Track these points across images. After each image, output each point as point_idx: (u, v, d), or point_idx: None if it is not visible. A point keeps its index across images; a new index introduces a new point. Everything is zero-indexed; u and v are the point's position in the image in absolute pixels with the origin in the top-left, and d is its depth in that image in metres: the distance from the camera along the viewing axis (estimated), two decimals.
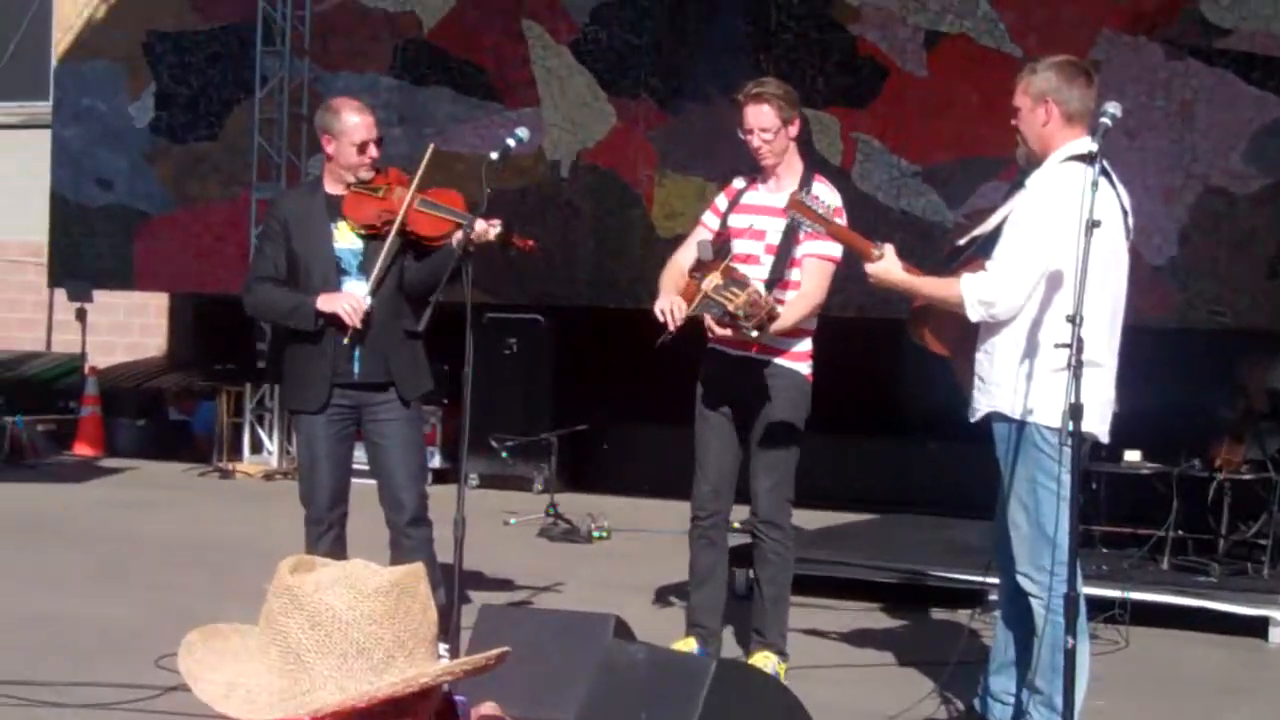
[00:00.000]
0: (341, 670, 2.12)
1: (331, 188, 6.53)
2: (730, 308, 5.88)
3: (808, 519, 10.76)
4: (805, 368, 6.42)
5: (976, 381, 5.30)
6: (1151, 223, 12.04)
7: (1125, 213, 5.21)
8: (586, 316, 12.79)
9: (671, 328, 6.12)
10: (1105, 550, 8.77)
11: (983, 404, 5.29)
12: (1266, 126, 11.82)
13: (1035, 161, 5.32)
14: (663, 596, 8.36)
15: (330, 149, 6.49)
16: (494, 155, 6.19)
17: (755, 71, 13.04)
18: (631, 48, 13.52)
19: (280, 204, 6.81)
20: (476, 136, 13.35)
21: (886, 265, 5.31)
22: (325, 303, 6.34)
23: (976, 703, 5.62)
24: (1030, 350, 5.17)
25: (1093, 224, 4.64)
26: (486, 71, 13.90)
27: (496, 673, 5.55)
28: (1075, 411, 4.61)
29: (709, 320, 6.11)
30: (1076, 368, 4.61)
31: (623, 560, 9.69)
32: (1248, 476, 8.59)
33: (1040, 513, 5.20)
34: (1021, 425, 5.18)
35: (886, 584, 8.39)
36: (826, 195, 6.22)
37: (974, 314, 5.15)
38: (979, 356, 5.30)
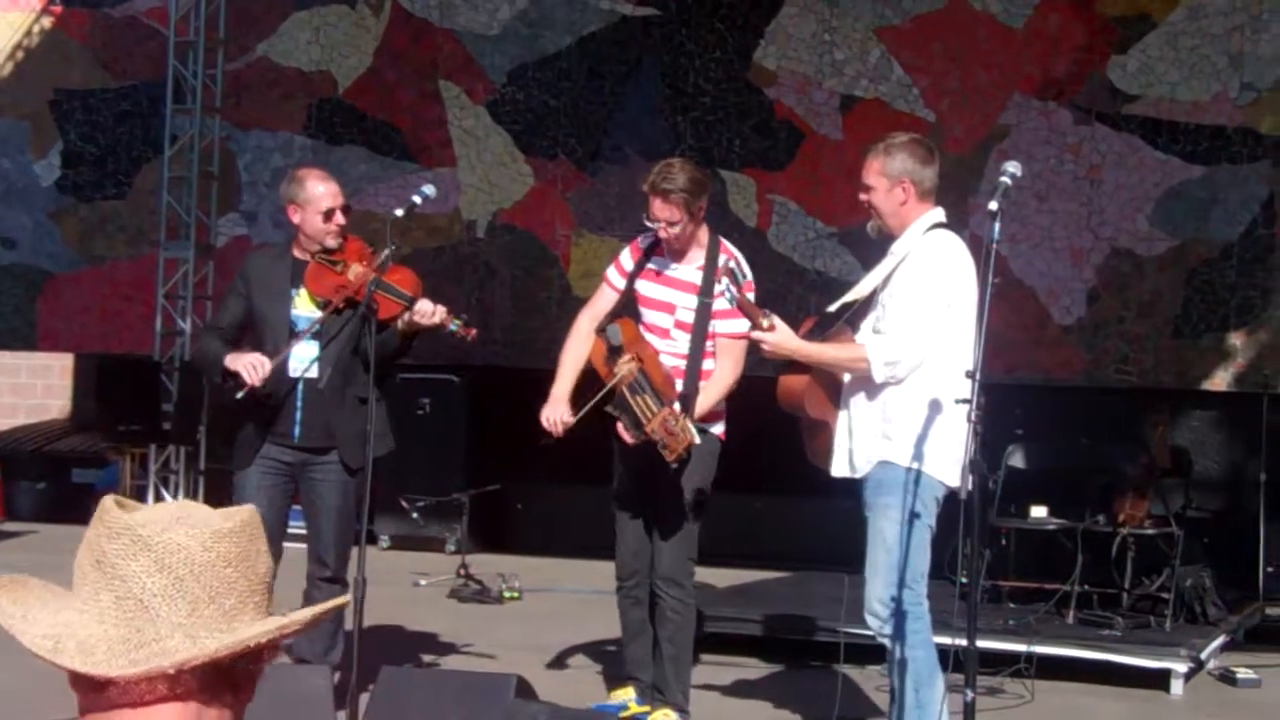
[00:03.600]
0: (193, 618, 1.89)
1: (298, 253, 6.61)
2: (646, 429, 6.02)
3: (720, 577, 10.79)
4: (718, 428, 6.51)
5: (859, 436, 5.44)
6: (1060, 284, 12.24)
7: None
8: (501, 376, 12.75)
9: (556, 435, 6.33)
10: (1013, 605, 8.84)
11: (872, 455, 5.39)
12: (1171, 190, 12.04)
13: (887, 234, 5.50)
14: (574, 657, 8.32)
15: (296, 218, 6.58)
16: (398, 212, 6.22)
17: (672, 134, 13.17)
18: (549, 109, 13.57)
19: (249, 262, 6.90)
20: (391, 196, 13.32)
21: (781, 336, 5.43)
22: (231, 360, 6.39)
23: None
24: (919, 402, 5.39)
25: (992, 282, 4.75)
26: (402, 131, 13.90)
27: None
28: (974, 466, 4.68)
29: (620, 429, 6.21)
30: (975, 423, 4.69)
31: (534, 621, 9.64)
32: (1150, 531, 8.70)
33: (906, 554, 5.37)
34: (904, 472, 5.34)
35: (796, 640, 8.39)
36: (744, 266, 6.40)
37: (879, 375, 5.36)
38: (861, 412, 5.43)
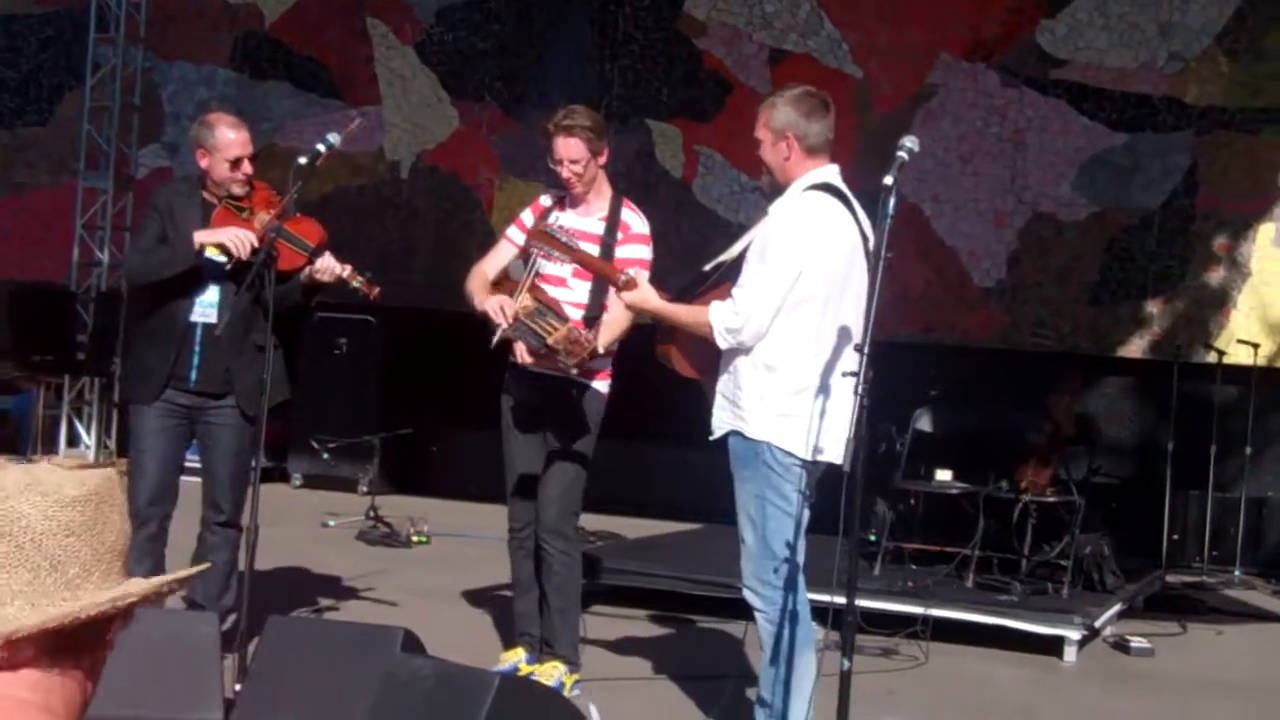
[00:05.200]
0: (32, 586, 1.88)
1: (207, 196, 6.57)
2: (549, 340, 5.99)
3: (631, 527, 10.83)
4: (604, 386, 6.54)
5: (719, 400, 5.39)
6: (981, 246, 12.29)
7: (865, 239, 5.29)
8: (420, 318, 12.70)
9: (505, 324, 6.18)
10: (914, 567, 8.90)
11: (724, 422, 5.37)
12: (1095, 156, 12.10)
13: (778, 189, 5.41)
14: (476, 604, 8.35)
15: (204, 163, 6.52)
16: (302, 160, 6.14)
17: (600, 81, 13.11)
18: (477, 51, 13.49)
19: (158, 195, 6.82)
20: (315, 133, 13.16)
21: (642, 293, 5.43)
22: (207, 235, 6.36)
23: (756, 711, 5.67)
24: (769, 371, 5.28)
25: (882, 254, 4.71)
26: (328, 68, 13.79)
27: (284, 683, 5.54)
28: (860, 439, 4.66)
29: (521, 348, 6.20)
30: (862, 397, 4.66)
31: (440, 566, 9.63)
32: (1052, 499, 8.76)
33: (767, 529, 5.31)
34: (757, 444, 5.27)
35: (696, 596, 8.42)
36: (636, 224, 6.47)
37: (722, 342, 5.28)
38: (723, 377, 5.39)
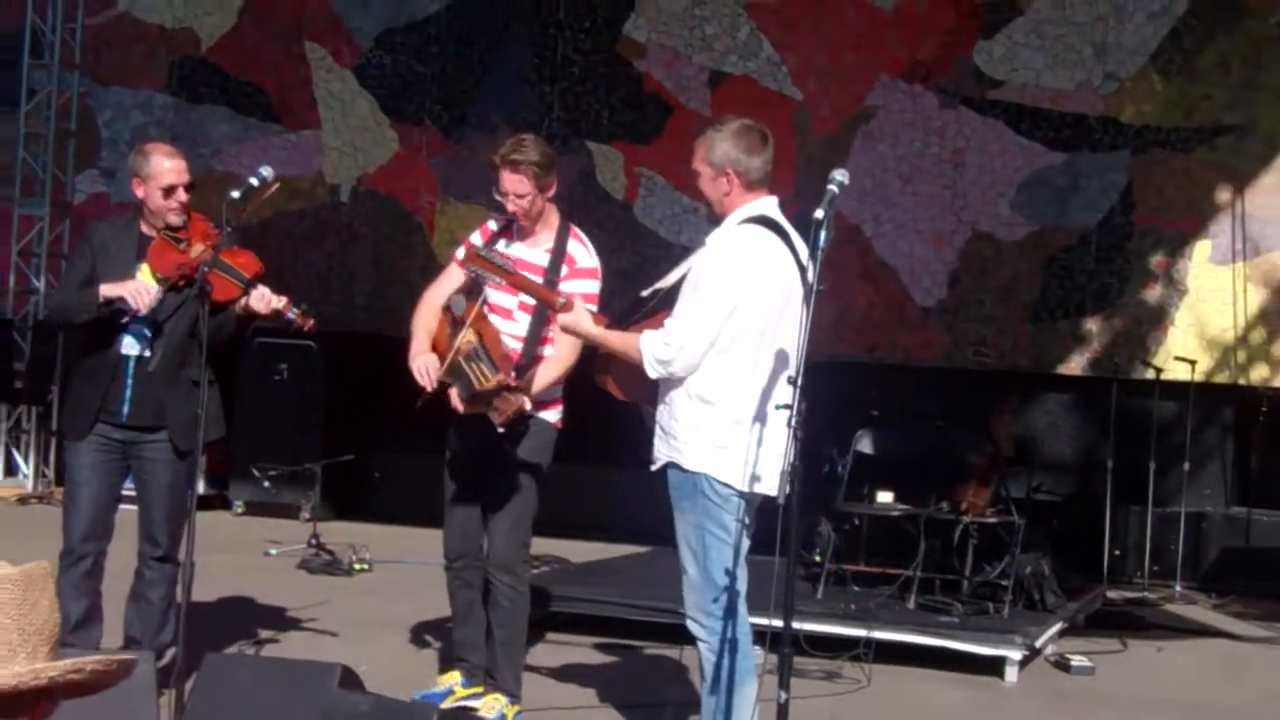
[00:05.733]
0: None
1: (145, 227, 6.55)
2: (478, 389, 6.02)
3: (575, 551, 10.82)
4: (554, 415, 6.50)
5: (657, 430, 5.41)
6: (922, 265, 12.35)
7: (803, 269, 5.29)
8: (361, 343, 12.65)
9: (429, 389, 6.22)
10: (857, 588, 8.92)
11: (661, 454, 5.38)
12: (1033, 175, 12.18)
13: (716, 220, 5.42)
14: (418, 632, 8.31)
15: (140, 192, 6.51)
16: (235, 193, 6.10)
17: (540, 104, 13.11)
18: (416, 74, 13.47)
19: (93, 232, 6.78)
20: (253, 158, 13.14)
21: (575, 317, 5.43)
22: (111, 288, 6.34)
23: None
24: (705, 404, 5.29)
25: (814, 290, 4.73)
26: (266, 92, 13.73)
27: None
28: (794, 471, 4.67)
29: (454, 397, 6.19)
30: (795, 430, 4.68)
31: (381, 593, 9.59)
32: (992, 520, 8.81)
33: (708, 559, 5.33)
34: (695, 476, 5.29)
35: (642, 621, 8.41)
36: (583, 257, 6.44)
37: (652, 372, 5.28)
38: (660, 408, 5.40)
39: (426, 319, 6.45)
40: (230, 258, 6.34)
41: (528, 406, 6.03)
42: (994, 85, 12.26)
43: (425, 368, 6.24)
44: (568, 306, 5.44)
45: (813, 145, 12.41)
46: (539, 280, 6.23)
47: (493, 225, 6.60)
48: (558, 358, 6.29)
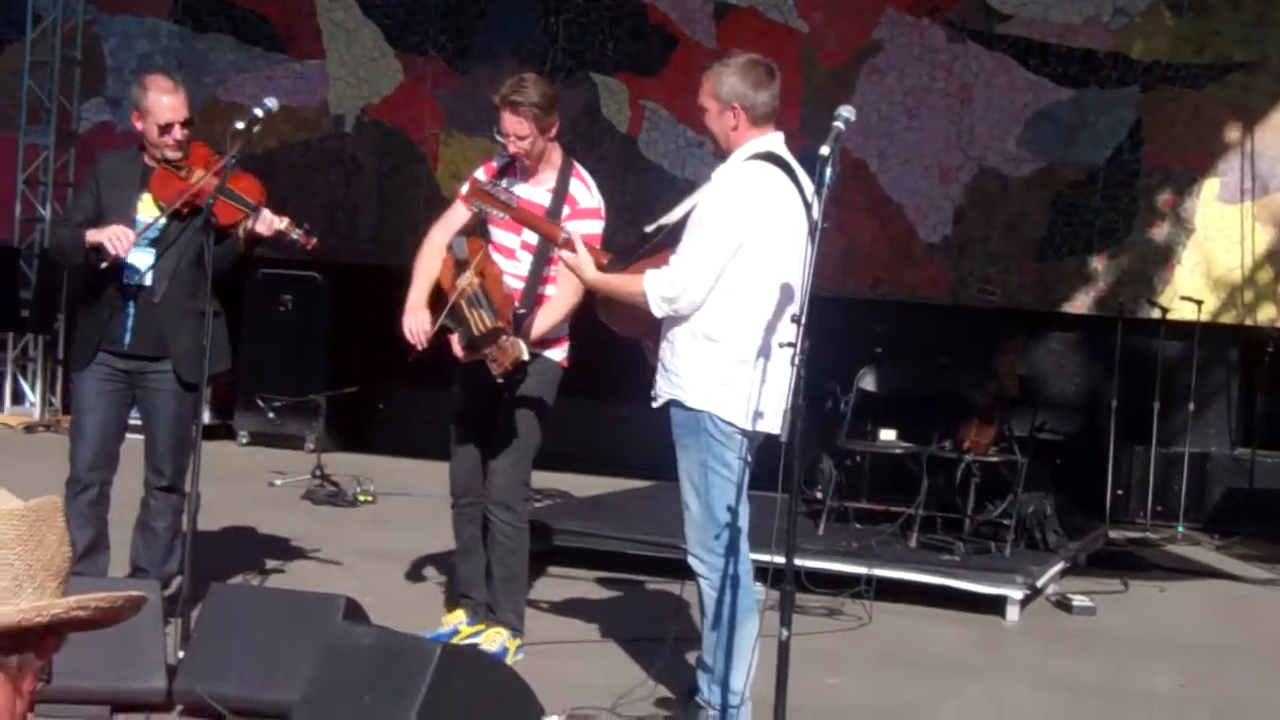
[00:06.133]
0: None
1: (148, 158, 6.54)
2: (474, 335, 6.00)
3: (579, 484, 10.85)
4: (559, 354, 6.51)
5: (659, 368, 5.41)
6: (927, 201, 12.31)
7: (808, 205, 5.26)
8: (366, 274, 12.64)
9: (419, 348, 6.26)
10: (859, 526, 8.95)
11: (664, 391, 5.38)
12: (1041, 111, 12.11)
13: (722, 155, 5.40)
14: (420, 565, 8.34)
15: (139, 125, 6.52)
16: (239, 124, 6.09)
17: (545, 35, 13.04)
18: (420, 4, 13.40)
19: (100, 162, 6.79)
20: (258, 87, 13.09)
21: (578, 260, 5.39)
22: (93, 234, 6.34)
23: (697, 675, 5.69)
24: (709, 342, 5.29)
25: (821, 226, 4.70)
26: (270, 21, 13.66)
27: (222, 653, 5.54)
28: (797, 410, 4.67)
29: (454, 343, 6.19)
30: (799, 368, 4.67)
31: (385, 525, 9.63)
32: (995, 459, 8.81)
33: (710, 496, 5.34)
34: (698, 414, 5.29)
35: (643, 556, 8.44)
36: (584, 197, 6.41)
37: (658, 310, 5.27)
38: (662, 345, 5.40)
39: (428, 261, 6.45)
40: (232, 183, 6.34)
41: (525, 356, 6.03)
42: (1002, 19, 12.17)
43: (414, 327, 6.28)
44: (569, 244, 5.41)
45: (818, 78, 12.35)
46: None
47: (496, 163, 6.60)
48: (559, 299, 6.29)
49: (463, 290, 6.16)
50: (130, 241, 6.26)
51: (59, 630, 2.02)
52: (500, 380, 6.05)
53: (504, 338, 5.98)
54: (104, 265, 6.33)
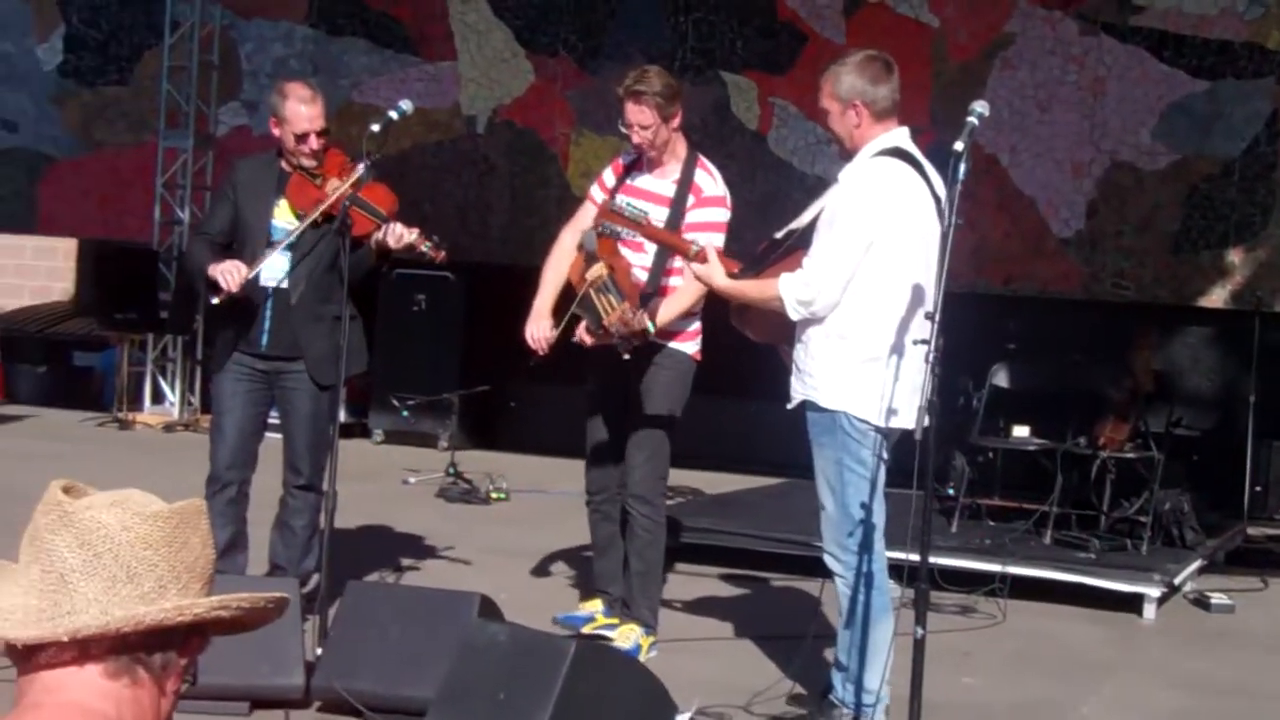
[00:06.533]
0: (108, 594, 1.95)
1: (284, 164, 6.66)
2: (605, 320, 6.07)
3: (710, 481, 10.87)
4: (691, 347, 6.54)
5: (794, 369, 5.43)
6: (1059, 196, 12.19)
7: (937, 200, 5.26)
8: (497, 274, 12.73)
9: (541, 353, 6.40)
10: (992, 523, 8.89)
11: (798, 391, 5.40)
12: (1175, 104, 11.95)
13: (848, 156, 5.41)
14: (554, 562, 8.40)
15: (276, 131, 6.63)
16: (374, 127, 6.19)
17: (674, 33, 13.07)
18: (551, 5, 13.48)
19: (237, 168, 6.90)
20: (392, 90, 13.26)
21: (709, 270, 5.42)
22: (211, 269, 6.47)
23: (831, 673, 5.70)
24: (841, 341, 5.31)
25: (955, 223, 4.70)
26: (403, 23, 13.82)
27: (359, 650, 5.62)
28: (931, 408, 4.67)
29: (580, 329, 6.26)
30: (933, 366, 4.67)
31: (519, 523, 9.71)
32: (1130, 455, 8.71)
33: (846, 495, 5.36)
34: (833, 413, 5.32)
35: (774, 554, 8.44)
36: (709, 186, 6.46)
37: (794, 314, 5.30)
38: (796, 346, 5.43)
39: (558, 264, 6.55)
40: (365, 193, 6.42)
41: (650, 327, 6.08)
42: (1135, 11, 12.02)
43: (535, 334, 6.41)
44: (701, 256, 5.45)
45: (949, 73, 12.27)
46: (666, 211, 6.28)
47: (623, 160, 6.65)
48: (684, 292, 6.33)
49: (593, 281, 6.23)
50: (242, 277, 6.36)
51: (203, 631, 2.04)
52: (626, 356, 6.09)
53: (628, 312, 6.04)
54: (215, 301, 6.48)
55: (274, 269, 6.55)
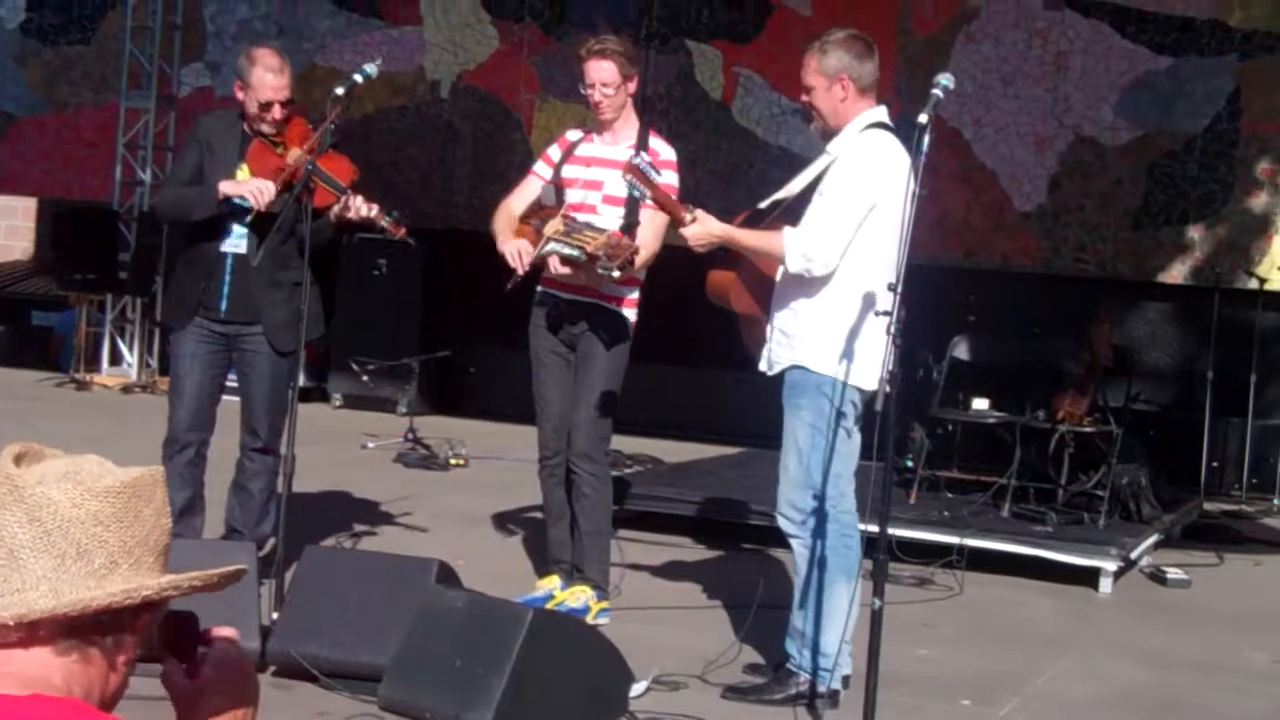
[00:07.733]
0: (57, 572, 1.91)
1: (247, 127, 6.61)
2: (589, 249, 6.07)
3: (670, 450, 10.88)
4: (631, 314, 6.63)
5: (776, 335, 5.44)
6: (1021, 170, 12.21)
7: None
8: (460, 240, 12.69)
9: (520, 271, 6.35)
10: (950, 495, 8.91)
11: (783, 358, 5.42)
12: (1138, 80, 11.96)
13: (829, 133, 5.47)
14: (512, 529, 8.41)
15: (240, 96, 6.57)
16: (339, 90, 6.13)
17: (639, 1, 13.01)
18: None
19: (200, 125, 6.85)
20: (356, 53, 13.19)
21: (704, 225, 5.43)
22: (231, 186, 6.43)
23: (786, 642, 5.70)
24: (831, 307, 5.37)
25: (919, 194, 4.73)
26: None
27: (315, 615, 5.60)
28: (891, 379, 4.68)
29: (554, 261, 6.26)
30: (895, 337, 4.69)
31: (476, 489, 9.69)
32: (1089, 429, 8.74)
33: (811, 459, 5.40)
34: (819, 377, 5.37)
35: (732, 523, 8.45)
36: (665, 151, 6.56)
37: (794, 265, 5.34)
38: (783, 313, 5.46)
39: (506, 222, 6.59)
40: (326, 164, 6.38)
41: (642, 252, 6.14)
42: None
43: (518, 250, 6.37)
44: (696, 219, 5.44)
45: (914, 46, 12.25)
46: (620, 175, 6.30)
47: (571, 135, 6.76)
48: (642, 244, 6.34)
49: (556, 229, 6.27)
50: (272, 193, 6.33)
51: (152, 609, 2.00)
52: (616, 274, 6.09)
53: (612, 236, 6.07)
54: (249, 220, 6.41)
55: (232, 234, 6.52)
